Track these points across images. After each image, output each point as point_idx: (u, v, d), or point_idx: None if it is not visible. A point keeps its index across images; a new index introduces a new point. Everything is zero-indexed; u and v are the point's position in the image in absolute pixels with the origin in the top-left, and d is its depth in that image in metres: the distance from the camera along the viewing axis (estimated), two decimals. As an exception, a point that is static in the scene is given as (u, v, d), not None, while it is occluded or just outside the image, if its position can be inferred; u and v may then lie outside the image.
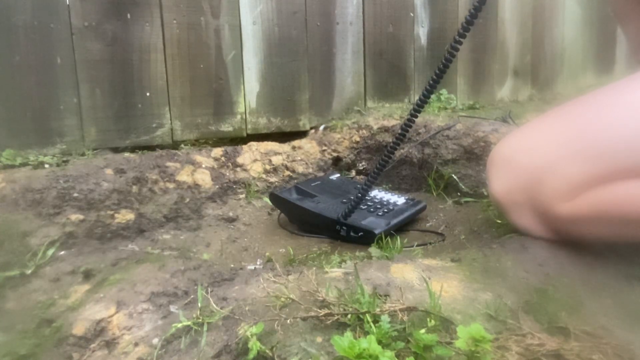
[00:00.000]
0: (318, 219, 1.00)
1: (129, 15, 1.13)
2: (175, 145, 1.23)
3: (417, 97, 1.58)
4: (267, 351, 0.50)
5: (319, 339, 0.51)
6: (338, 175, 1.24)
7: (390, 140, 1.31)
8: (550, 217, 0.71)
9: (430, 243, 0.95)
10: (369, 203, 1.07)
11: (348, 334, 0.47)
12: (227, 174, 1.18)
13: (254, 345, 0.50)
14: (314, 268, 0.67)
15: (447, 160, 1.25)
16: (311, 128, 1.40)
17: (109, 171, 1.00)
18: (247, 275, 0.68)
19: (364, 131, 1.36)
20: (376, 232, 0.93)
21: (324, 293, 0.58)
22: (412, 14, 1.53)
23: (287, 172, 1.26)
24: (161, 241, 0.94)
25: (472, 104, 1.62)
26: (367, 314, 0.52)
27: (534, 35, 1.83)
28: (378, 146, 1.34)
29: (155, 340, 0.56)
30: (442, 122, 1.31)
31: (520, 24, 1.79)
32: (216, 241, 0.98)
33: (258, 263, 0.89)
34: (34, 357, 0.57)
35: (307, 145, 1.33)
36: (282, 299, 0.58)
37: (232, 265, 0.84)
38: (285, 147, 1.30)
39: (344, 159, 1.36)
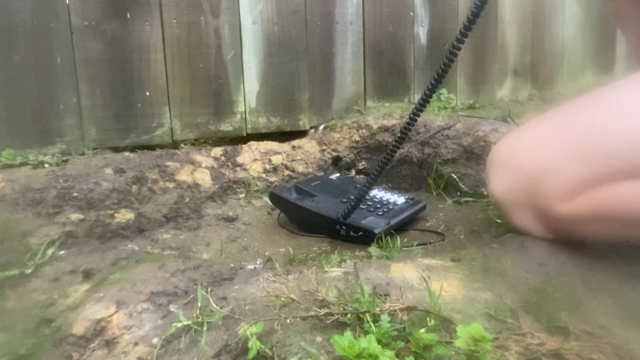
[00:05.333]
0: (318, 218, 1.00)
1: (128, 15, 1.13)
2: (175, 144, 1.23)
3: (417, 97, 1.59)
4: (267, 350, 0.50)
5: (319, 339, 0.51)
6: (338, 174, 1.24)
7: (391, 140, 1.31)
8: (550, 217, 0.71)
9: (430, 243, 0.95)
10: (369, 202, 1.07)
11: (348, 333, 0.47)
12: (227, 173, 1.18)
13: (254, 345, 0.50)
14: (314, 268, 0.67)
15: (446, 159, 1.25)
16: (311, 127, 1.40)
17: (108, 171, 1.00)
18: (247, 275, 0.68)
19: (364, 131, 1.36)
20: (376, 231, 0.93)
21: (323, 292, 0.58)
22: (412, 14, 1.53)
23: (287, 172, 1.26)
24: (161, 241, 0.94)
25: (472, 104, 1.62)
26: (367, 314, 0.52)
27: (534, 35, 1.83)
28: (378, 146, 1.34)
29: (155, 340, 0.56)
30: (442, 121, 1.31)
31: (520, 24, 1.78)
32: (216, 241, 0.98)
33: (258, 262, 0.89)
34: (34, 357, 0.57)
35: (307, 145, 1.33)
36: (282, 299, 0.58)
37: (231, 265, 0.84)
38: (285, 147, 1.30)
39: (343, 159, 1.36)
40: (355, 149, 1.36)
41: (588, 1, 1.97)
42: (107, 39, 1.12)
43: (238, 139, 1.30)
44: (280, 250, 0.96)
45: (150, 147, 1.18)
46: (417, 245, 0.94)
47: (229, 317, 0.56)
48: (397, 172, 1.33)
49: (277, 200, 1.07)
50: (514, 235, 0.77)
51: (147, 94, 1.18)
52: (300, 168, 1.28)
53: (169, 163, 1.10)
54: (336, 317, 0.53)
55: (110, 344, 0.57)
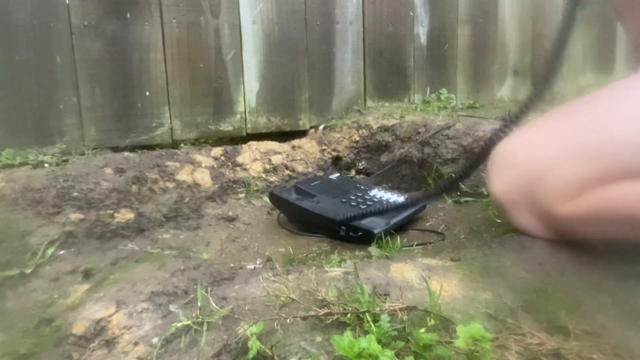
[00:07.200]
0: (317, 218, 1.00)
1: (128, 15, 1.13)
2: (175, 144, 1.23)
3: (417, 97, 1.59)
4: (267, 350, 0.50)
5: (319, 339, 0.51)
6: (338, 174, 1.24)
7: (390, 140, 1.31)
8: (550, 217, 0.71)
9: (430, 242, 0.95)
10: (369, 202, 1.07)
11: (348, 333, 0.47)
12: (227, 173, 1.18)
13: (254, 345, 0.50)
14: (314, 267, 0.67)
15: (446, 159, 1.25)
16: (311, 127, 1.40)
17: (108, 170, 1.00)
18: (247, 275, 0.68)
19: (364, 130, 1.36)
20: (376, 231, 0.93)
21: (323, 292, 0.58)
22: (412, 14, 1.53)
23: (287, 172, 1.26)
24: (161, 240, 0.94)
25: (471, 104, 1.62)
26: (366, 314, 0.52)
27: (534, 35, 1.83)
28: (378, 145, 1.34)
29: (155, 340, 0.56)
30: (442, 121, 1.31)
31: (520, 24, 1.78)
32: (216, 240, 0.98)
33: (258, 262, 0.89)
34: (34, 357, 0.57)
35: (307, 145, 1.33)
36: (282, 299, 0.58)
37: (231, 265, 0.84)
38: (285, 147, 1.30)
39: (343, 159, 1.36)
40: (355, 148, 1.36)
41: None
42: (107, 39, 1.12)
43: (238, 139, 1.30)
44: (280, 250, 0.96)
45: (150, 147, 1.18)
46: (417, 245, 0.94)
47: (229, 317, 0.56)
48: (397, 172, 1.33)
49: (277, 200, 1.07)
50: (514, 235, 0.77)
51: (147, 93, 1.18)
52: (300, 168, 1.28)
53: (168, 163, 1.10)
54: (336, 317, 0.53)
55: (110, 343, 0.57)
